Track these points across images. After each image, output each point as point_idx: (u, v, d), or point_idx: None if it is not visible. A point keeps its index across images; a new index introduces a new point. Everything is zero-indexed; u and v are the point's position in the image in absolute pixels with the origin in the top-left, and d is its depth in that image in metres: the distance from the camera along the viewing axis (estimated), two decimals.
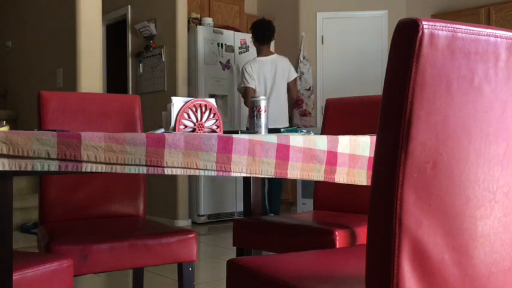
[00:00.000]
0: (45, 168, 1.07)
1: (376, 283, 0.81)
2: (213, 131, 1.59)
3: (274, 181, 4.53)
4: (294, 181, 5.07)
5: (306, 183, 5.10)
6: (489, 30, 0.82)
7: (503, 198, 0.87)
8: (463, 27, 0.79)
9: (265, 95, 4.29)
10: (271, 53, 4.60)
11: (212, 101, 1.61)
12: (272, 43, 4.85)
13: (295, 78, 4.64)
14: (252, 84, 4.42)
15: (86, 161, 1.11)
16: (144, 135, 1.16)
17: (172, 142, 1.18)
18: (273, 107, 4.24)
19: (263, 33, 4.49)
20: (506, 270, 0.88)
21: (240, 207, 5.19)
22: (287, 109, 4.61)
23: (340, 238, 1.69)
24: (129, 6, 5.68)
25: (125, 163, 1.14)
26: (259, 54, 4.56)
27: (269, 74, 4.46)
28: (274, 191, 4.69)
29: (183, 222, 4.94)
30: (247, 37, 5.34)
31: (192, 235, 1.75)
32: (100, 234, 1.70)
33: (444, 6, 5.70)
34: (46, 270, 1.32)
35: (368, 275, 0.83)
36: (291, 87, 4.62)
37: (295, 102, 4.99)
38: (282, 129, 1.73)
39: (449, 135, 0.80)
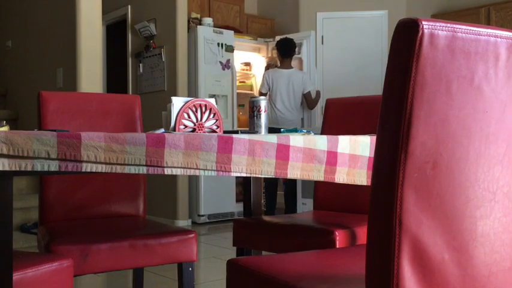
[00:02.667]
0: (45, 168, 1.07)
1: (376, 283, 0.81)
2: (213, 131, 1.59)
3: (291, 182, 5.07)
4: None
5: (306, 183, 5.11)
6: (489, 30, 0.82)
7: (503, 198, 0.87)
8: (463, 27, 0.79)
9: (279, 102, 5.02)
10: (290, 67, 5.16)
11: (212, 101, 1.61)
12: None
13: (310, 91, 5.18)
14: (264, 90, 5.14)
15: (86, 161, 1.11)
16: (144, 135, 1.16)
17: (172, 142, 1.18)
18: (286, 113, 5.01)
19: (283, 49, 5.13)
20: (506, 270, 0.88)
21: (240, 207, 5.19)
22: (300, 115, 5.20)
23: (340, 238, 1.69)
24: (129, 6, 5.68)
25: (125, 163, 1.14)
26: (280, 66, 5.22)
27: (284, 84, 5.06)
28: (291, 193, 5.12)
29: (183, 222, 4.94)
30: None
31: (192, 235, 1.75)
32: (100, 234, 1.70)
33: (444, 6, 5.70)
34: (46, 270, 1.32)
35: (368, 275, 0.83)
36: (307, 98, 5.19)
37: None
38: (281, 130, 1.73)
39: (449, 135, 0.80)
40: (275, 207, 5.14)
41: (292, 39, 5.20)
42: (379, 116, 0.80)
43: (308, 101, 5.22)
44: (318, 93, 5.33)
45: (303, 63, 5.84)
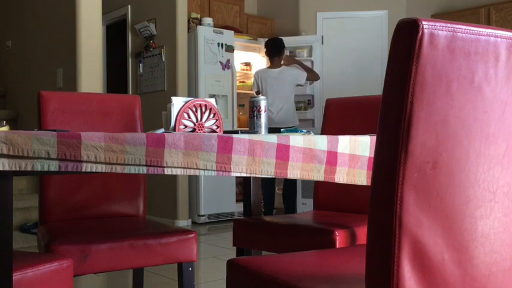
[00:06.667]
0: (45, 168, 1.07)
1: (376, 283, 0.81)
2: (213, 131, 1.59)
3: (288, 181, 5.13)
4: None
5: (306, 183, 5.11)
6: (489, 30, 0.82)
7: (503, 198, 0.87)
8: (463, 27, 0.79)
9: (273, 100, 5.01)
10: (280, 66, 5.18)
11: (212, 101, 1.61)
12: None
13: (306, 75, 5.27)
14: (255, 89, 5.27)
15: (86, 161, 1.11)
16: (144, 135, 1.16)
17: (172, 142, 1.18)
18: (281, 111, 5.03)
19: (271, 49, 5.18)
20: (506, 270, 0.88)
21: (240, 207, 5.19)
22: (295, 111, 5.21)
23: (340, 238, 1.69)
24: (129, 6, 5.68)
25: (125, 163, 1.14)
26: (269, 65, 5.26)
27: (274, 83, 5.09)
28: (289, 191, 5.16)
29: (183, 222, 4.94)
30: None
31: (192, 235, 1.75)
32: (100, 234, 1.70)
33: (444, 6, 5.70)
34: (46, 270, 1.32)
35: (368, 275, 0.83)
36: (309, 79, 5.41)
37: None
38: (282, 129, 1.73)
39: (449, 135, 0.80)
40: (273, 207, 5.15)
41: (280, 39, 5.24)
42: (379, 116, 0.80)
43: (311, 79, 5.45)
44: (306, 72, 5.32)
45: (314, 65, 5.87)
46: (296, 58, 5.75)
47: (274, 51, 5.15)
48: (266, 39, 5.45)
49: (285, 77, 5.09)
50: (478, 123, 0.82)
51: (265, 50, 5.28)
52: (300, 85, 5.30)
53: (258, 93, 5.20)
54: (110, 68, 6.44)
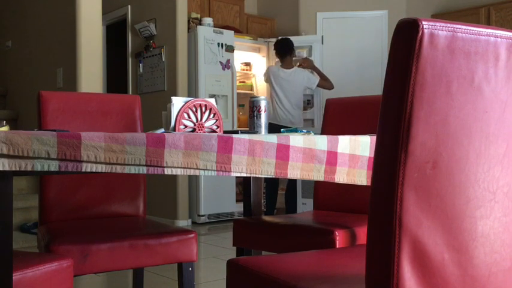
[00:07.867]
0: (45, 168, 1.07)
1: (376, 283, 0.81)
2: (213, 131, 1.59)
3: (290, 182, 5.13)
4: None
5: (306, 183, 5.11)
6: (489, 30, 0.82)
7: (503, 198, 0.87)
8: (463, 27, 0.79)
9: (281, 99, 5.07)
10: (291, 66, 5.18)
11: (212, 101, 1.61)
12: None
13: (318, 81, 5.22)
14: (264, 79, 5.34)
15: (86, 161, 1.11)
16: (144, 135, 1.16)
17: (172, 142, 1.18)
18: (288, 112, 5.05)
19: (281, 48, 5.17)
20: (506, 270, 0.88)
21: (240, 207, 5.19)
22: (301, 113, 5.21)
23: (340, 238, 1.69)
24: (129, 6, 5.68)
25: (125, 163, 1.14)
26: (281, 65, 5.23)
27: (284, 83, 5.08)
28: (291, 191, 5.17)
29: (183, 222, 4.94)
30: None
31: (192, 235, 1.75)
32: (100, 234, 1.70)
33: (444, 6, 5.70)
34: (46, 270, 1.32)
35: (368, 275, 0.83)
36: (321, 86, 5.30)
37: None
38: (282, 130, 1.73)
39: (449, 135, 0.80)
40: (275, 208, 5.16)
41: (288, 39, 5.22)
42: (379, 116, 0.80)
43: (324, 87, 5.33)
44: (320, 77, 5.31)
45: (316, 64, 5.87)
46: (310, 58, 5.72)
47: (285, 50, 5.13)
48: (266, 39, 5.45)
49: (296, 79, 5.07)
50: (478, 123, 0.82)
51: (275, 51, 5.26)
52: (310, 89, 5.28)
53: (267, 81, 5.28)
54: (110, 68, 6.44)
